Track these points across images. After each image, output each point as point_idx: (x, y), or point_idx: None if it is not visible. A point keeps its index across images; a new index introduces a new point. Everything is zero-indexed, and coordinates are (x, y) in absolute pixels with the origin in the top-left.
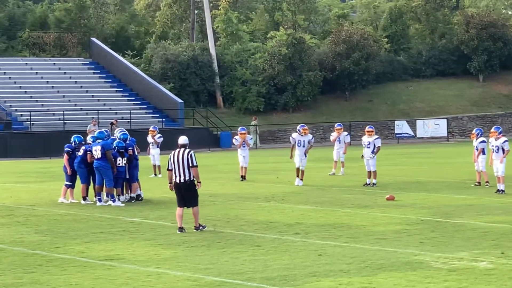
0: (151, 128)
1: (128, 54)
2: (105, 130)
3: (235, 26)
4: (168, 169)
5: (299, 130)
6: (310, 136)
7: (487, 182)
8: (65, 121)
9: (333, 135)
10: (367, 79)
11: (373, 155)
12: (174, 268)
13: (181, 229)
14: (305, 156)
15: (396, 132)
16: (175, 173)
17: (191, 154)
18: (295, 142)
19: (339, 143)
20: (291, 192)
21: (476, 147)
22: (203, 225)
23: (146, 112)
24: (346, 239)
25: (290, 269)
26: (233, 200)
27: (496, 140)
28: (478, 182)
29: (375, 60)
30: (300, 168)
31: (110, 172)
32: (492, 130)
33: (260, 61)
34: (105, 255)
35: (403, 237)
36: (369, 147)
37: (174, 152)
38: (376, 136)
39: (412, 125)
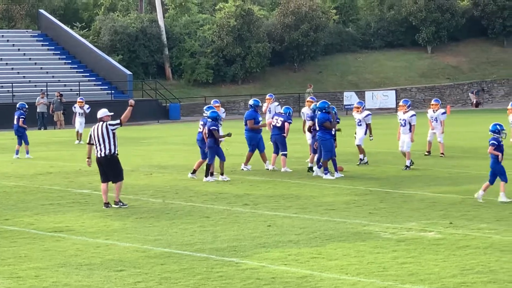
0: (79, 99)
1: (77, 26)
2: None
3: None
4: (88, 143)
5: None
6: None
7: (442, 153)
8: (13, 93)
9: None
10: (316, 51)
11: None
12: (123, 240)
13: (106, 204)
14: None
15: (345, 103)
16: (96, 147)
17: (107, 125)
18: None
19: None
20: (240, 163)
21: (436, 118)
22: (124, 203)
23: (95, 84)
24: (295, 210)
25: (239, 240)
26: (183, 171)
27: (404, 113)
28: (428, 152)
29: (324, 32)
30: None
31: (328, 143)
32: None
33: (208, 33)
34: (55, 226)
35: (352, 207)
36: (360, 125)
37: (94, 127)
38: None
39: (361, 96)
